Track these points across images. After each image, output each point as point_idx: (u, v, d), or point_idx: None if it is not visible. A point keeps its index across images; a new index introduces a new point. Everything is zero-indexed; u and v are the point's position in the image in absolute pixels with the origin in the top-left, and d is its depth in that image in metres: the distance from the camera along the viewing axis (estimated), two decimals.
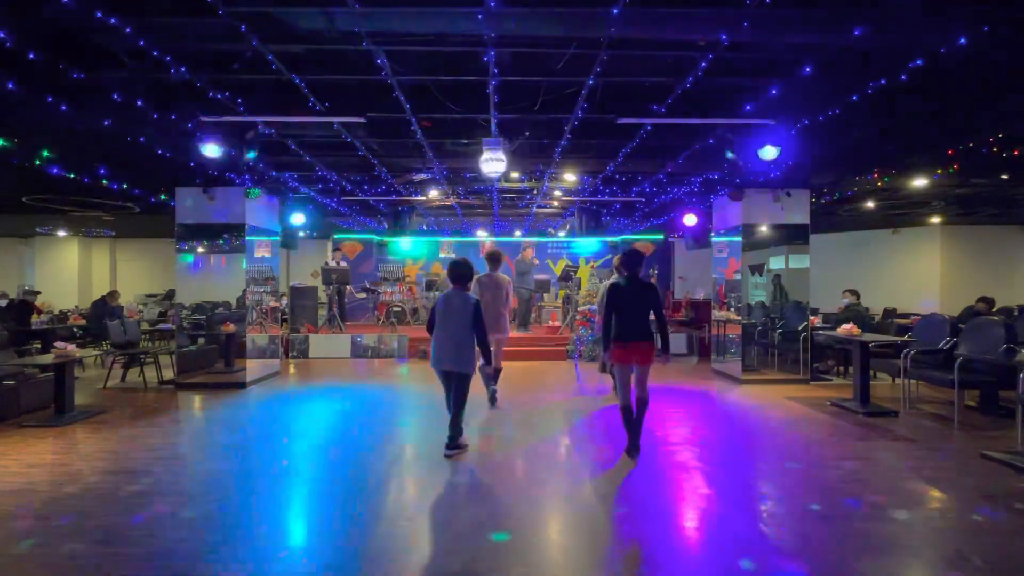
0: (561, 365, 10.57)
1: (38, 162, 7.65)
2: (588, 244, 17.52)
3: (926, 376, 6.68)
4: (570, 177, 10.10)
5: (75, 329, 10.82)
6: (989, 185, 9.89)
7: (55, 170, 8.06)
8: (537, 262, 13.03)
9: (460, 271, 5.23)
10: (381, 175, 9.46)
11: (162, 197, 10.18)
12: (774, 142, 6.83)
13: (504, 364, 10.33)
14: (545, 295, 14.39)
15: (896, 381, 7.86)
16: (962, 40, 4.44)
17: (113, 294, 11.69)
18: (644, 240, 17.67)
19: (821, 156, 8.04)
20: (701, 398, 7.89)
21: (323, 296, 13.58)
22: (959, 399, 6.25)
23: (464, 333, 5.06)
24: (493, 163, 7.21)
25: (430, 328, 5.22)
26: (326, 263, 13.06)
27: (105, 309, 11.19)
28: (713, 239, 10.27)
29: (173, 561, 3.23)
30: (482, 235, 17.60)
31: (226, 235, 8.67)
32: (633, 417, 5.07)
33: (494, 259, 7.26)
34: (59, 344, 6.77)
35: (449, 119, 7.01)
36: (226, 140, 6.84)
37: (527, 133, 7.55)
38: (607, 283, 6.10)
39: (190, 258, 8.79)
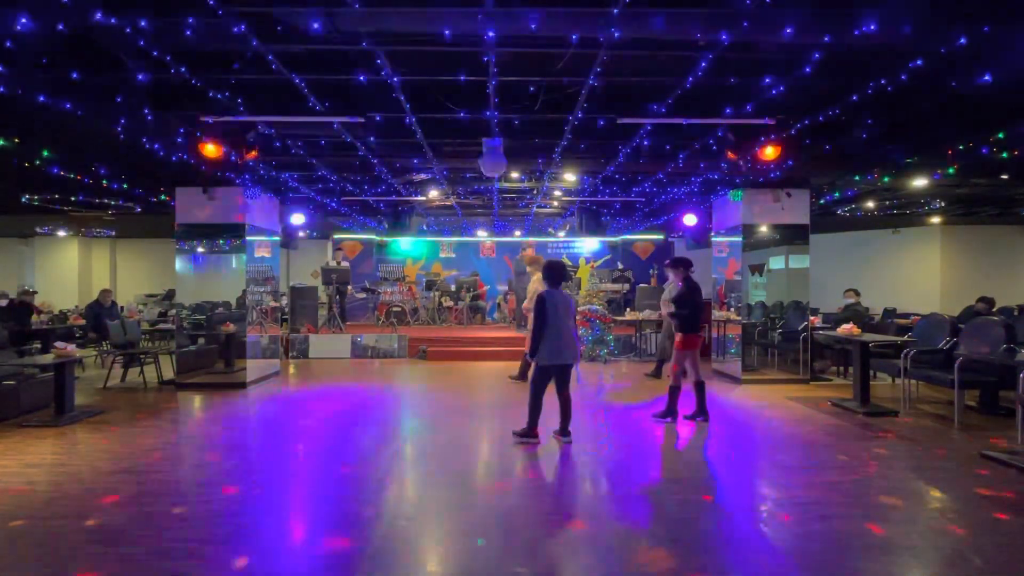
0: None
1: (38, 162, 7.64)
2: (588, 244, 17.53)
3: (926, 376, 6.68)
4: (570, 177, 10.09)
5: (75, 329, 10.82)
6: (989, 185, 9.89)
7: (55, 170, 8.05)
8: (530, 260, 13.01)
9: (561, 272, 5.65)
10: (381, 175, 9.45)
11: (162, 197, 10.17)
12: (774, 142, 6.82)
13: (501, 363, 10.35)
14: None
15: (896, 381, 7.86)
16: (962, 40, 4.44)
17: (105, 292, 11.66)
18: (644, 240, 17.67)
19: (821, 156, 8.03)
20: None
21: (323, 296, 13.57)
22: (959, 399, 6.25)
23: (570, 328, 5.52)
24: (493, 163, 7.21)
25: (543, 328, 5.38)
26: (327, 263, 13.03)
27: (101, 309, 11.17)
28: (713, 239, 10.27)
29: (173, 560, 3.23)
30: (482, 235, 17.59)
31: (226, 235, 8.67)
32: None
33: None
34: (59, 344, 6.76)
35: (449, 119, 7.00)
36: (226, 140, 6.83)
37: (527, 133, 7.54)
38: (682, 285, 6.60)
39: (190, 258, 8.79)
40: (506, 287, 15.67)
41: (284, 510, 4.08)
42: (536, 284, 7.83)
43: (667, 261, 6.67)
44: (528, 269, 8.54)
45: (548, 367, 5.47)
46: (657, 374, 9.31)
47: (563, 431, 5.60)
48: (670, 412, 6.35)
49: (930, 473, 4.74)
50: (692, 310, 6.28)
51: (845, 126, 6.79)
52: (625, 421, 6.50)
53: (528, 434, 5.55)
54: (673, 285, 6.57)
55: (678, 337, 6.31)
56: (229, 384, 8.49)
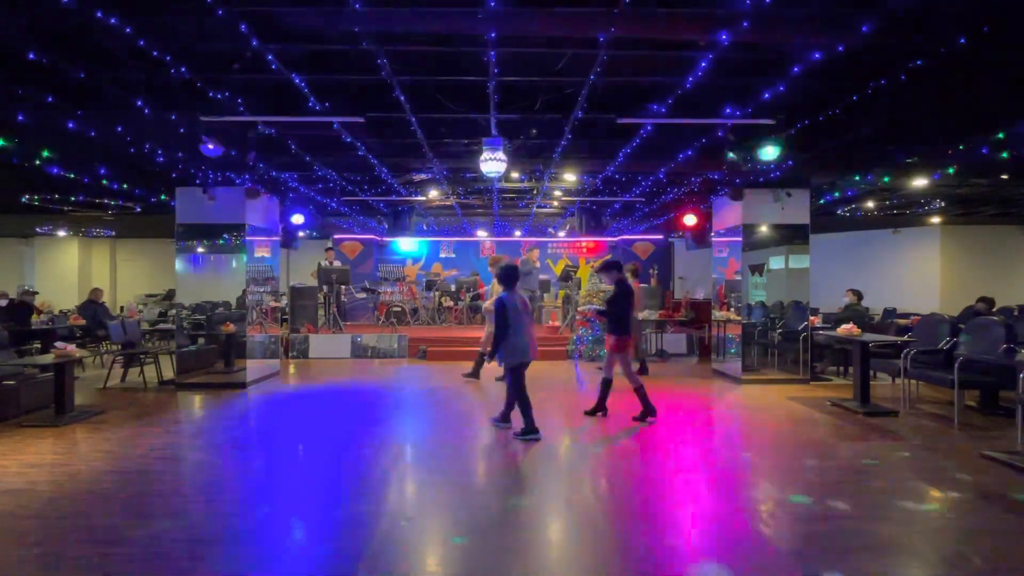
0: (561, 365, 10.57)
1: (38, 162, 7.65)
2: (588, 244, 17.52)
3: (926, 376, 6.68)
4: (570, 177, 10.11)
5: (75, 329, 10.83)
6: (989, 185, 9.90)
7: (55, 170, 8.06)
8: (539, 264, 13.03)
9: (515, 274, 5.94)
10: (381, 175, 9.46)
11: (162, 197, 10.17)
12: (774, 142, 6.83)
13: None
14: (545, 295, 14.38)
15: (896, 381, 7.86)
16: (961, 40, 4.44)
17: (96, 290, 11.66)
18: (644, 240, 17.67)
19: (821, 156, 8.03)
20: (701, 398, 7.89)
21: (323, 296, 13.56)
22: (959, 399, 6.25)
23: (529, 326, 5.84)
24: (493, 163, 7.22)
25: (507, 329, 5.62)
26: (319, 264, 13.01)
27: (96, 307, 11.18)
28: (713, 239, 10.27)
29: (173, 561, 3.23)
30: (482, 235, 17.60)
31: (226, 235, 8.66)
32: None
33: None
34: (59, 344, 6.76)
35: (449, 119, 7.00)
36: (226, 140, 6.84)
37: (527, 133, 7.55)
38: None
39: (190, 258, 8.78)
40: None
41: (284, 510, 4.08)
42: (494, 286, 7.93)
43: (599, 266, 6.73)
44: (490, 269, 8.57)
45: (518, 365, 5.69)
46: (643, 371, 9.36)
47: (504, 418, 5.93)
48: (647, 411, 6.38)
49: (930, 473, 4.74)
50: (620, 312, 6.29)
51: (845, 126, 6.79)
52: (622, 419, 6.50)
53: (528, 431, 5.61)
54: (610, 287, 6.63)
55: (612, 339, 6.36)
56: (229, 384, 8.48)
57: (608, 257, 7.05)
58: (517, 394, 5.69)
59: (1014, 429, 5.41)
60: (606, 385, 6.51)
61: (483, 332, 8.89)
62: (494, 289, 8.19)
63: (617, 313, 6.29)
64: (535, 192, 11.43)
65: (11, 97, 5.57)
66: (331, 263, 12.97)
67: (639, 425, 6.22)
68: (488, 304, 8.36)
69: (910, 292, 14.58)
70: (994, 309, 9.86)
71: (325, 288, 12.61)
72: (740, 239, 9.07)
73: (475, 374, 8.88)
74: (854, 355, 7.14)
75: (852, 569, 3.15)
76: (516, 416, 5.79)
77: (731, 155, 7.28)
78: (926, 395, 7.69)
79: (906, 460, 5.08)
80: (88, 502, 4.08)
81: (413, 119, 6.72)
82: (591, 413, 6.57)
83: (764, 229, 9.11)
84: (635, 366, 9.61)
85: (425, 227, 16.61)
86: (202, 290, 8.92)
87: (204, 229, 8.66)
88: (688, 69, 5.41)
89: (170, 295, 14.51)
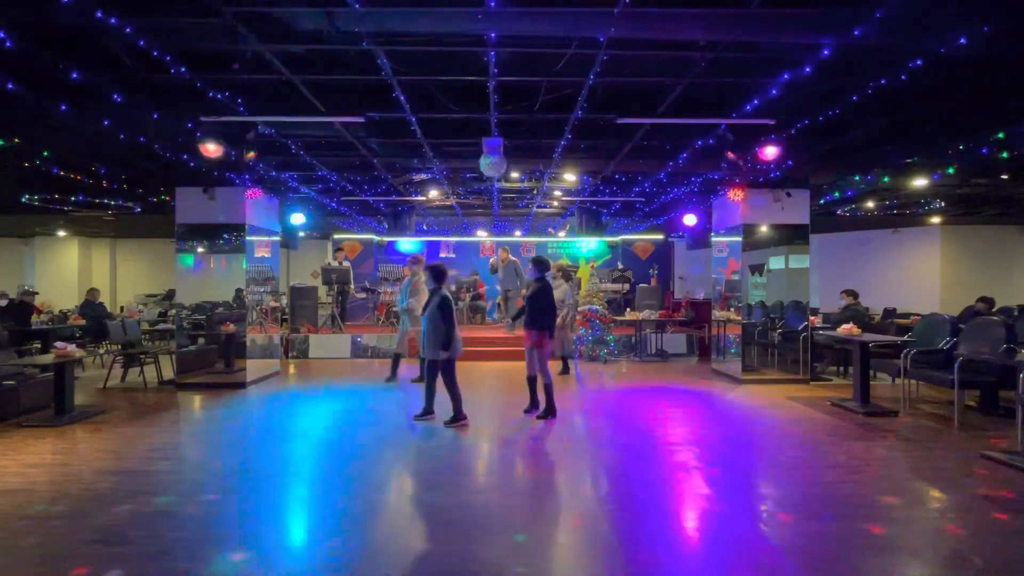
0: (559, 364, 10.54)
1: (38, 162, 7.65)
2: (588, 244, 17.54)
3: (926, 376, 6.68)
4: (570, 177, 10.11)
5: (76, 330, 10.83)
6: (989, 185, 9.90)
7: (55, 170, 8.06)
8: (495, 263, 13.15)
9: (444, 271, 6.32)
10: (381, 175, 9.46)
11: (162, 197, 10.17)
12: (774, 142, 6.83)
13: (501, 363, 10.40)
14: None
15: (896, 381, 7.86)
16: (962, 40, 4.44)
17: (93, 291, 11.67)
18: (644, 240, 17.68)
19: (821, 156, 8.03)
20: (701, 398, 7.89)
21: (324, 296, 13.57)
22: (959, 399, 6.25)
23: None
24: (493, 163, 7.22)
25: (452, 325, 6.06)
26: (327, 263, 13.03)
27: (95, 309, 11.19)
28: (713, 239, 10.27)
29: (173, 561, 3.23)
30: (482, 235, 17.61)
31: (226, 235, 8.66)
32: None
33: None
34: (59, 344, 6.76)
35: (449, 119, 7.00)
36: (226, 140, 6.84)
37: (527, 133, 7.55)
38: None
39: (190, 258, 8.78)
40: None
41: (283, 510, 4.08)
42: (422, 285, 7.97)
43: (532, 258, 6.86)
44: (413, 268, 8.63)
45: (453, 358, 6.13)
46: (565, 370, 9.32)
47: (426, 412, 6.33)
48: (549, 410, 6.46)
49: (930, 473, 4.74)
50: (537, 307, 6.41)
51: (845, 126, 6.79)
52: (619, 420, 6.50)
53: (457, 419, 6.10)
54: (532, 282, 6.71)
55: (531, 334, 6.42)
56: (229, 384, 8.48)
57: (539, 255, 7.25)
58: (451, 385, 6.15)
59: (1014, 429, 5.41)
60: (531, 382, 6.60)
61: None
62: (414, 289, 8.29)
63: (534, 308, 6.42)
64: (535, 192, 11.44)
65: (11, 97, 5.56)
66: (340, 263, 13.02)
67: (540, 422, 6.31)
68: (412, 303, 8.36)
69: (910, 292, 14.58)
70: (994, 309, 9.86)
71: (332, 288, 12.65)
72: (740, 239, 9.07)
73: (395, 375, 8.89)
74: (854, 355, 7.14)
75: (852, 569, 3.15)
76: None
77: (731, 155, 7.29)
78: (926, 395, 7.69)
79: (906, 460, 5.08)
80: (88, 502, 4.08)
81: (413, 119, 6.71)
82: (529, 412, 6.59)
83: (764, 229, 9.11)
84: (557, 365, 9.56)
85: (425, 227, 16.61)
86: (202, 290, 8.92)
87: (204, 229, 8.66)
88: (688, 69, 5.41)
89: (170, 295, 14.50)
